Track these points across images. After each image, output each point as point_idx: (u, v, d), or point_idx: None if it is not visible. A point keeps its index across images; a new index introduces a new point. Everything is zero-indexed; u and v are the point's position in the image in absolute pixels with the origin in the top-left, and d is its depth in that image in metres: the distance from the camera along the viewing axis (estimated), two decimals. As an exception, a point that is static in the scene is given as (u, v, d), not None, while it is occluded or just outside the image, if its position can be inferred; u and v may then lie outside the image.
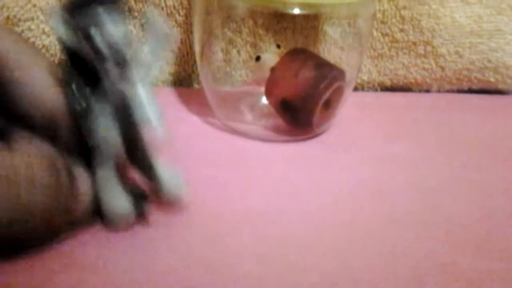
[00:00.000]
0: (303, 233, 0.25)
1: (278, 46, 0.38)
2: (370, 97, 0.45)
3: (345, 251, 0.24)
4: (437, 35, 0.43)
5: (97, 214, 0.24)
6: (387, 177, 0.31)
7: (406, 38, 0.44)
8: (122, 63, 0.22)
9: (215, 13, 0.36)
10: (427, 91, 0.47)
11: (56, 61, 0.41)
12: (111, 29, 0.21)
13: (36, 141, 0.24)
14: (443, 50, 0.44)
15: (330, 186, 0.30)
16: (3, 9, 0.38)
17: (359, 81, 0.45)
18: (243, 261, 0.23)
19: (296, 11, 0.31)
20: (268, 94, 0.35)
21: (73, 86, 0.22)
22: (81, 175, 0.23)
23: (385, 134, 0.37)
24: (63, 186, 0.22)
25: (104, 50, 0.22)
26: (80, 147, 0.23)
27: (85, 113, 0.22)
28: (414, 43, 0.44)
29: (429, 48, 0.44)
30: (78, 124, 0.23)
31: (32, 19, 0.39)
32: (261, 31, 0.39)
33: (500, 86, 0.47)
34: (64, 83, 0.22)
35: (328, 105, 0.35)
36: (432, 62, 0.45)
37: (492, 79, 0.46)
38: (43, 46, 0.40)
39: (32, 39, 0.40)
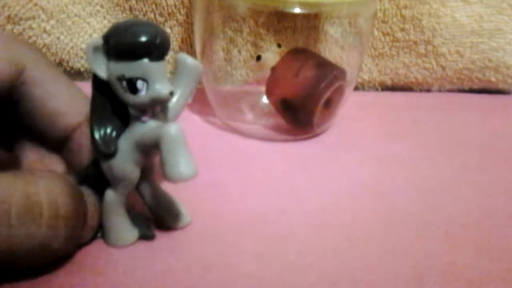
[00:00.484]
0: (303, 233, 0.25)
1: (279, 46, 0.38)
2: (370, 97, 0.45)
3: (345, 251, 0.24)
4: (438, 34, 0.43)
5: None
6: (387, 176, 0.31)
7: (407, 38, 0.43)
8: (158, 112, 0.22)
9: (216, 13, 0.36)
10: (428, 90, 0.47)
11: (57, 62, 0.41)
12: (158, 86, 0.20)
13: (52, 163, 0.24)
14: (444, 50, 0.44)
15: (330, 186, 0.30)
16: (4, 8, 0.38)
17: (359, 80, 0.45)
18: (243, 261, 0.23)
19: (297, 10, 0.31)
20: (268, 93, 0.35)
21: (107, 130, 0.22)
22: (90, 201, 0.22)
23: (386, 134, 0.37)
24: (80, 215, 0.21)
25: (146, 106, 0.21)
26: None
27: (111, 156, 0.22)
28: (415, 43, 0.44)
29: (430, 48, 0.44)
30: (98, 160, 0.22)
31: (33, 18, 0.39)
32: (261, 31, 0.39)
33: (501, 86, 0.46)
34: (95, 126, 0.21)
35: (329, 105, 0.35)
36: (433, 61, 0.45)
37: (493, 79, 0.46)
38: (44, 45, 0.40)
39: (33, 38, 0.40)
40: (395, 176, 0.31)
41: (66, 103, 0.22)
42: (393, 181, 0.31)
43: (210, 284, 0.22)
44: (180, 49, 0.42)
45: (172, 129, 0.20)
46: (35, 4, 0.39)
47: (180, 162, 0.20)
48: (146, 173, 0.23)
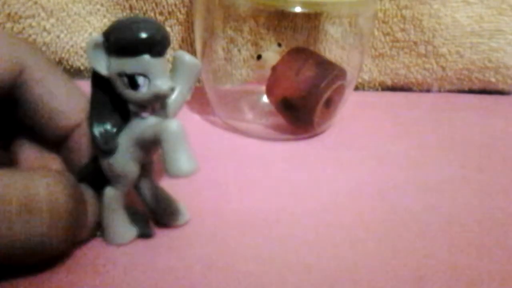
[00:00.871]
0: (303, 233, 0.25)
1: (279, 45, 0.38)
2: (371, 97, 0.45)
3: (345, 251, 0.24)
4: (438, 35, 0.43)
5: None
6: (388, 176, 0.31)
7: (407, 38, 0.43)
8: (157, 109, 0.22)
9: (216, 12, 0.36)
10: (428, 90, 0.47)
11: (57, 60, 0.41)
12: (159, 82, 0.20)
13: (51, 161, 0.24)
14: (444, 50, 0.44)
15: (330, 185, 0.30)
16: (4, 6, 0.38)
17: (360, 80, 0.45)
18: (243, 261, 0.23)
19: (298, 9, 0.31)
20: (269, 92, 0.35)
21: (106, 127, 0.22)
22: (90, 198, 0.22)
23: (386, 134, 0.37)
24: (79, 213, 0.21)
25: (147, 102, 0.21)
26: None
27: (111, 152, 0.22)
28: (415, 43, 0.44)
29: (430, 48, 0.44)
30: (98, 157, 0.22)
31: (33, 16, 0.39)
32: (262, 30, 0.39)
33: (501, 86, 0.47)
34: (95, 122, 0.22)
35: (329, 104, 0.35)
36: (433, 62, 0.45)
37: (492, 79, 0.46)
38: (44, 43, 0.40)
39: (33, 36, 0.40)
40: (395, 175, 0.31)
41: (66, 102, 0.22)
42: (393, 180, 0.31)
43: (210, 282, 0.22)
44: (181, 48, 0.42)
45: (173, 125, 0.20)
46: (35, 2, 0.39)
47: (181, 158, 0.20)
48: (145, 170, 0.23)
